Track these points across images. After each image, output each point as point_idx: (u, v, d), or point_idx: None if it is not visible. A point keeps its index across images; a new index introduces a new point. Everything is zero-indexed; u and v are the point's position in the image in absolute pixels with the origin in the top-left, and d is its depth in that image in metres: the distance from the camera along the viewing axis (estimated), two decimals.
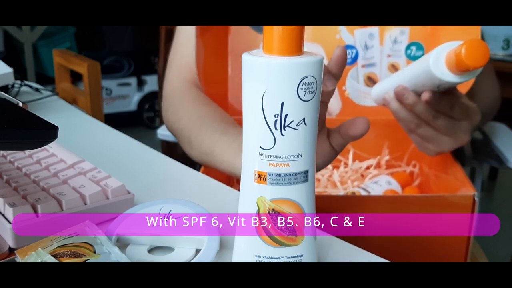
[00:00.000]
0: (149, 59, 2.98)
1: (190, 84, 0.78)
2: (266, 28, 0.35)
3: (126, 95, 3.00)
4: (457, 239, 0.65)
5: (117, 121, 2.15)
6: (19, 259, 0.38)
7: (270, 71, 0.34)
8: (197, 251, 0.43)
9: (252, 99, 0.35)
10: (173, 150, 1.64)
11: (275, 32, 0.34)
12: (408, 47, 0.79)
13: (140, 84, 3.02)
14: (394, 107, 0.63)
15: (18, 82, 0.97)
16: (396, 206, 0.64)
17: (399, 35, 0.79)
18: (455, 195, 0.65)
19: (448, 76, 0.55)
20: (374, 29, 0.79)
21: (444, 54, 0.55)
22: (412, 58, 0.79)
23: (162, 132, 1.08)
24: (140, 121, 3.05)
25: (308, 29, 0.77)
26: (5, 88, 0.88)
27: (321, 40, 0.78)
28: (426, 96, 0.58)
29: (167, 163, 0.65)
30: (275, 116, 0.35)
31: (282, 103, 0.35)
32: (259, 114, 0.35)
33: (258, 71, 0.35)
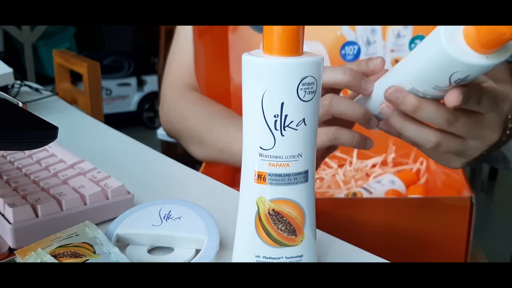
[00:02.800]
0: (149, 59, 2.98)
1: (190, 87, 0.78)
2: (266, 28, 0.35)
3: (126, 95, 3.00)
4: (456, 242, 0.65)
5: (117, 121, 2.15)
6: (19, 259, 0.38)
7: (270, 71, 0.34)
8: (197, 251, 0.43)
9: (252, 99, 0.35)
10: (173, 150, 1.64)
11: (275, 32, 0.34)
12: (412, 41, 0.77)
13: (140, 84, 3.02)
14: (397, 123, 0.46)
15: (18, 82, 0.97)
16: (394, 208, 0.64)
17: (402, 29, 0.76)
18: (452, 197, 0.65)
19: (475, 58, 0.37)
20: None
21: (460, 31, 0.37)
22: None
23: (162, 132, 1.09)
24: (140, 121, 3.05)
25: (308, 26, 0.77)
26: (5, 88, 0.88)
27: (322, 37, 0.78)
28: (454, 98, 0.40)
29: (167, 163, 0.65)
30: (275, 116, 0.35)
31: (282, 103, 0.35)
32: (259, 114, 0.35)
33: (258, 71, 0.35)
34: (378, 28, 0.77)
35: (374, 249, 0.45)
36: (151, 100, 3.04)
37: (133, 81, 2.99)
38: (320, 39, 0.78)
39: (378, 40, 0.78)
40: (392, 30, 0.77)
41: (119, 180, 0.50)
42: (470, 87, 0.41)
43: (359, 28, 0.77)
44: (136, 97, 3.03)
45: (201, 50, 0.77)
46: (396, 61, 0.78)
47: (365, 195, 0.74)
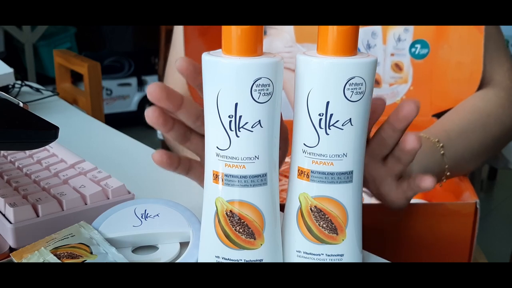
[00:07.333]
0: (149, 59, 2.98)
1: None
2: (224, 28, 0.34)
3: (126, 96, 3.00)
4: (459, 247, 0.63)
5: (117, 121, 2.15)
6: (15, 260, 0.38)
7: (223, 71, 0.34)
8: (181, 244, 0.43)
9: (209, 99, 0.35)
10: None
11: (232, 33, 0.34)
12: (412, 45, 0.75)
13: (140, 84, 3.02)
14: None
15: (19, 82, 0.98)
16: (396, 213, 0.63)
17: (403, 33, 0.75)
18: (457, 203, 0.63)
19: (337, 59, 0.36)
20: (377, 27, 0.76)
21: (314, 51, 0.37)
22: (416, 56, 0.75)
23: None
24: (140, 121, 3.05)
25: (310, 29, 0.77)
26: (6, 88, 0.88)
27: None
28: (411, 140, 0.44)
29: None
30: (229, 116, 0.34)
31: (236, 104, 0.34)
32: (215, 114, 0.35)
33: (213, 71, 0.34)
34: (379, 31, 0.76)
35: (377, 254, 0.45)
36: None
37: (133, 81, 2.99)
38: None
39: (378, 43, 0.77)
40: (393, 33, 0.76)
41: (120, 180, 0.50)
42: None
43: (359, 31, 0.77)
44: (136, 97, 3.03)
45: (202, 50, 0.76)
46: (396, 65, 0.77)
47: (367, 200, 0.73)
